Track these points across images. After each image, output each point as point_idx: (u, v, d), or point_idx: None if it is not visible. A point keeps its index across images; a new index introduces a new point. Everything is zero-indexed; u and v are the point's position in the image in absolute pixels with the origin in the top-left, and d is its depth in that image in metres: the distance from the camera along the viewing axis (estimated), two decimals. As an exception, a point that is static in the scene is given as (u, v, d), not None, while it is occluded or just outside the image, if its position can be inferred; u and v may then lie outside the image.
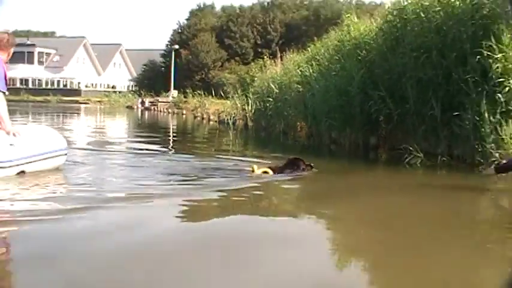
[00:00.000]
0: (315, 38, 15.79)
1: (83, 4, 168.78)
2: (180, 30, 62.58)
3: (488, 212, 5.59)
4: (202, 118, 25.92)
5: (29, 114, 23.80)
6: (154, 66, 64.30)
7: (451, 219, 4.85)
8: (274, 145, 13.17)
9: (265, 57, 23.41)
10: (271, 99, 16.27)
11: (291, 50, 18.53)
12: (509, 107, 7.28)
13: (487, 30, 7.59)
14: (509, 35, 7.35)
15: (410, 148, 8.11)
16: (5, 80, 6.02)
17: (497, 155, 7.00)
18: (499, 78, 7.32)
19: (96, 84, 74.10)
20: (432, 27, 8.84)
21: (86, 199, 4.89)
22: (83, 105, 49.99)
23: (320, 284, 3.02)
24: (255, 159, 8.72)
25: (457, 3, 8.62)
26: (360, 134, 10.71)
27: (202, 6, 65.24)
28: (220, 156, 9.39)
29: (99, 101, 55.66)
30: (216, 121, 22.91)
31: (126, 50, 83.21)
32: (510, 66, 7.31)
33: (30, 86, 66.35)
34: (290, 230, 4.35)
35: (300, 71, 14.23)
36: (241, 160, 8.68)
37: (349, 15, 12.72)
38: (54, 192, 5.44)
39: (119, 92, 64.93)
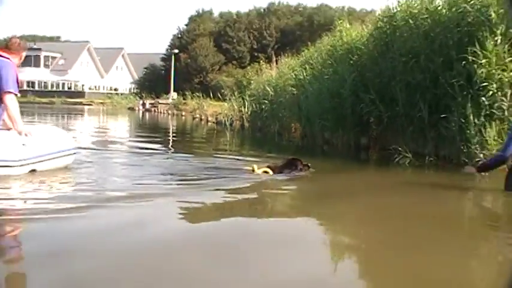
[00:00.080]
0: (309, 43, 15.86)
1: (87, 10, 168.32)
2: (179, 35, 62.44)
3: (473, 210, 5.63)
4: (201, 119, 25.86)
5: (35, 116, 23.68)
6: (155, 69, 64.15)
7: (438, 217, 4.86)
8: (270, 145, 13.15)
9: (261, 61, 23.36)
10: (266, 102, 16.26)
11: (286, 55, 18.55)
12: (493, 110, 7.31)
13: (472, 37, 7.60)
14: (492, 42, 7.36)
15: (400, 149, 8.13)
16: (17, 83, 6.05)
17: (481, 155, 7.04)
18: (483, 82, 7.34)
19: (99, 87, 73.92)
20: (420, 33, 8.86)
21: (91, 198, 4.85)
22: (86, 107, 49.82)
23: (316, 281, 3.02)
24: (251, 159, 8.72)
25: (444, 11, 8.67)
26: (352, 134, 10.72)
27: (201, 12, 65.16)
28: (219, 155, 9.36)
29: (102, 103, 55.53)
30: (214, 122, 22.87)
31: (128, 53, 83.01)
32: (493, 71, 7.32)
33: (36, 88, 66.11)
34: (288, 229, 4.33)
35: (295, 74, 14.25)
36: (239, 159, 8.67)
37: (341, 21, 12.74)
38: (61, 191, 5.42)
39: (121, 94, 64.73)
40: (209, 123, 23.24)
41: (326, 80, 11.43)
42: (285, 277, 2.99)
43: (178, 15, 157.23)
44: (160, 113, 38.83)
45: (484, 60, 7.33)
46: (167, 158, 9.00)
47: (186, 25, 63.32)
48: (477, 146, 7.22)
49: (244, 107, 18.61)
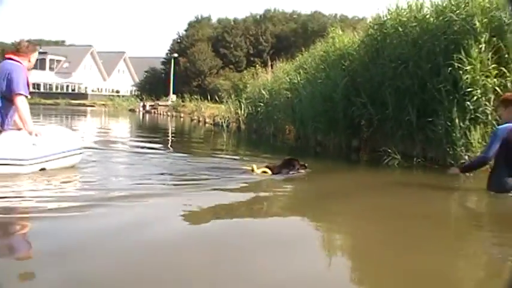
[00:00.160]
0: (303, 49, 15.79)
1: (91, 15, 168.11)
2: (179, 40, 62.39)
3: (458, 209, 5.65)
4: (199, 121, 25.83)
5: (40, 116, 23.61)
6: (155, 72, 64.04)
7: (425, 216, 4.88)
8: (265, 146, 13.12)
9: (257, 65, 23.45)
10: (262, 104, 16.24)
11: (281, 59, 18.55)
12: (477, 114, 7.32)
13: (458, 45, 7.61)
14: (477, 50, 7.39)
15: (389, 150, 8.12)
16: (27, 85, 6.06)
17: (466, 157, 7.07)
18: (468, 88, 7.36)
19: (101, 89, 73.84)
20: (409, 40, 8.88)
21: (94, 197, 4.82)
22: (89, 108, 49.72)
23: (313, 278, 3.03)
24: (247, 158, 8.74)
25: (431, 19, 8.69)
26: (343, 137, 10.70)
27: (199, 18, 65.10)
28: (216, 155, 9.37)
29: (104, 104, 55.46)
30: (211, 124, 22.84)
31: (129, 57, 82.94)
32: (478, 77, 7.34)
33: (41, 90, 66.03)
34: (283, 229, 4.30)
35: (289, 78, 14.21)
36: (236, 159, 8.68)
37: (334, 28, 12.74)
38: (67, 190, 5.39)
39: (122, 96, 64.65)
40: (207, 125, 23.20)
41: (319, 84, 11.42)
42: (283, 276, 2.96)
43: (178, 21, 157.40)
44: (160, 114, 38.77)
45: (469, 67, 7.36)
46: (167, 158, 8.99)
47: (186, 30, 63.28)
48: (462, 148, 7.25)
49: (241, 110, 18.58)
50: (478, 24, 7.50)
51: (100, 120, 29.77)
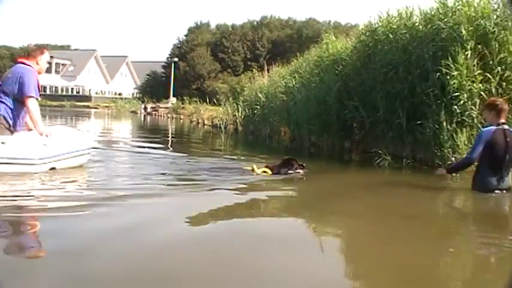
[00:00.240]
0: (298, 54, 15.86)
1: (95, 21, 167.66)
2: (179, 45, 62.30)
3: (444, 208, 5.67)
4: (198, 122, 25.79)
5: (47, 118, 23.55)
6: (156, 76, 63.95)
7: (413, 214, 4.92)
8: (261, 147, 13.11)
9: (254, 69, 23.45)
10: (258, 107, 16.24)
11: (277, 64, 18.54)
12: (464, 118, 7.36)
13: (445, 51, 7.64)
14: (463, 56, 7.41)
15: (380, 151, 8.15)
16: (38, 87, 6.09)
17: (453, 158, 7.10)
18: (455, 92, 7.39)
19: (104, 92, 73.70)
20: (399, 47, 8.92)
21: (98, 197, 4.76)
22: (93, 110, 49.66)
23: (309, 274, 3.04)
24: (243, 158, 8.75)
25: (420, 27, 8.74)
26: (336, 138, 10.75)
27: (199, 24, 65.06)
28: (215, 156, 9.37)
29: (107, 106, 55.35)
30: (209, 125, 22.81)
31: (131, 61, 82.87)
32: (464, 82, 7.37)
33: (47, 92, 65.86)
34: (281, 228, 4.29)
35: (284, 82, 14.25)
36: (234, 160, 8.67)
37: (327, 34, 12.81)
38: (74, 189, 5.34)
39: (125, 98, 64.51)
40: (205, 126, 23.17)
41: (313, 88, 11.46)
42: (284, 275, 2.93)
43: (178, 26, 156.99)
44: (161, 116, 38.75)
45: (456, 73, 7.39)
46: (168, 158, 8.95)
47: (186, 36, 63.20)
48: (449, 149, 7.27)
49: (238, 112, 18.58)
50: (464, 32, 7.53)
51: (103, 121, 29.70)
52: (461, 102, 7.38)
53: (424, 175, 7.09)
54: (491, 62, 7.46)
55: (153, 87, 60.88)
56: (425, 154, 8.00)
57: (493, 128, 5.60)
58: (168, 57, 62.49)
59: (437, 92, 7.70)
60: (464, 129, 7.24)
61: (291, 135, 13.36)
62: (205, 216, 4.34)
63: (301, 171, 6.83)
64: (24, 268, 2.89)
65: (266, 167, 6.83)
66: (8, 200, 4.45)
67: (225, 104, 21.42)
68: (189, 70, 56.27)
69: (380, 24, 9.80)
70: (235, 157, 9.33)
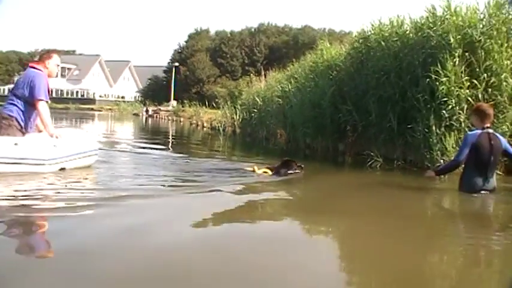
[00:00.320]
0: (294, 59, 15.81)
1: (99, 28, 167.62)
2: (179, 50, 62.33)
3: (433, 207, 5.70)
4: (197, 125, 25.77)
5: (53, 120, 23.45)
6: (158, 80, 63.93)
7: (403, 214, 4.96)
8: (258, 149, 13.12)
9: (252, 74, 23.42)
10: (255, 110, 16.24)
11: (273, 69, 18.51)
12: (452, 122, 7.37)
13: (435, 58, 7.66)
14: (451, 63, 7.44)
15: (372, 154, 8.18)
16: (48, 91, 6.12)
17: (442, 160, 7.13)
18: (444, 97, 7.41)
19: (108, 95, 73.68)
20: (391, 53, 8.93)
21: (101, 197, 4.72)
22: (96, 112, 49.60)
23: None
24: (243, 159, 8.75)
25: (411, 35, 8.75)
26: (330, 141, 10.75)
27: (199, 30, 65.12)
28: (214, 157, 9.38)
29: (110, 109, 55.36)
30: (208, 127, 22.79)
31: (134, 66, 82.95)
32: (452, 88, 7.39)
33: (53, 95, 65.76)
34: (280, 226, 4.34)
35: (281, 87, 14.21)
36: (234, 161, 8.68)
37: (322, 41, 12.80)
38: (76, 190, 5.23)
39: (127, 101, 64.52)
40: (204, 129, 23.15)
41: (308, 92, 11.46)
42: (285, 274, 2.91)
43: (179, 33, 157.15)
44: (162, 118, 38.72)
45: (444, 79, 7.41)
46: (169, 159, 8.94)
47: (186, 41, 63.28)
48: (438, 152, 7.29)
49: (236, 115, 18.55)
50: (452, 40, 7.56)
51: (107, 123, 29.69)
52: (450, 107, 7.40)
53: (414, 176, 7.11)
54: (477, 69, 7.48)
55: (155, 91, 60.88)
56: (415, 156, 8.00)
57: (478, 131, 5.65)
58: (169, 62, 62.57)
59: (427, 97, 7.71)
60: (452, 132, 7.25)
61: (286, 138, 13.35)
62: (208, 217, 4.27)
63: (298, 171, 6.85)
64: (32, 267, 2.85)
65: (267, 167, 6.86)
66: (17, 200, 4.42)
67: (223, 107, 21.39)
68: (189, 74, 56.30)
69: (372, 31, 9.81)
70: (235, 158, 9.34)
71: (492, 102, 7.07)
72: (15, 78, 74.23)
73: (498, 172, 6.58)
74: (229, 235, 3.78)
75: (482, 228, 4.41)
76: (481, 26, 7.76)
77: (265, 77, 18.87)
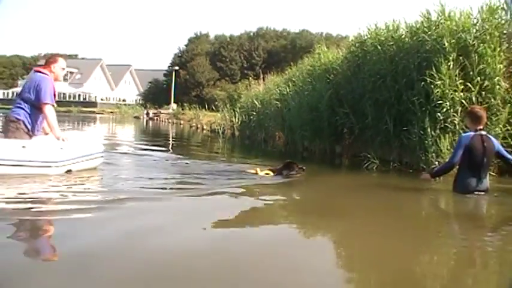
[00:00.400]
0: (292, 63, 15.80)
1: (101, 33, 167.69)
2: (180, 54, 62.43)
3: (427, 208, 5.71)
4: (197, 127, 25.78)
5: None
6: (158, 83, 64.00)
7: (398, 214, 4.98)
8: (256, 151, 13.13)
9: (250, 78, 23.44)
10: (254, 113, 16.24)
11: (272, 73, 18.56)
12: (446, 124, 7.40)
13: (430, 62, 7.70)
14: (446, 66, 7.47)
15: (369, 156, 8.20)
16: (54, 94, 6.16)
17: (436, 162, 7.15)
18: (439, 100, 7.44)
19: (109, 98, 73.63)
20: (387, 57, 8.95)
21: (102, 200, 4.70)
22: (98, 115, 49.57)
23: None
24: (242, 161, 8.75)
25: (406, 39, 8.78)
26: (328, 143, 10.77)
27: (198, 34, 65.20)
28: (215, 159, 9.38)
29: (111, 112, 55.40)
30: (208, 130, 22.80)
31: (135, 70, 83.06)
32: (447, 91, 7.42)
33: (56, 98, 65.62)
34: (279, 228, 4.33)
35: (279, 90, 14.24)
36: (233, 163, 8.64)
37: (320, 45, 12.85)
38: (87, 193, 5.24)
39: (128, 104, 64.50)
40: (204, 131, 23.15)
41: (306, 96, 11.49)
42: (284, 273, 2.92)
43: (179, 37, 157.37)
44: (162, 121, 38.75)
45: (439, 82, 7.44)
46: (170, 161, 8.95)
47: (186, 46, 63.39)
48: (433, 154, 7.31)
49: (235, 118, 18.57)
50: (447, 44, 7.59)
51: (108, 126, 29.64)
52: (444, 109, 7.43)
53: (409, 178, 7.13)
54: (471, 73, 7.51)
55: (155, 94, 60.96)
56: (411, 158, 8.02)
57: (471, 133, 5.69)
58: (169, 66, 62.64)
59: (422, 100, 7.74)
60: (447, 135, 7.28)
61: (285, 140, 13.36)
62: (209, 220, 4.19)
63: (299, 174, 6.87)
64: (36, 270, 2.83)
65: (269, 169, 6.90)
66: (21, 203, 4.40)
67: (222, 110, 21.40)
68: (189, 78, 56.35)
69: (369, 36, 9.84)
70: (234, 160, 9.34)
71: (486, 105, 7.11)
72: (19, 82, 74.49)
73: (491, 173, 6.62)
74: (230, 237, 3.76)
75: (476, 229, 4.42)
76: (474, 30, 7.79)
77: (263, 80, 18.90)
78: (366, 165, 8.11)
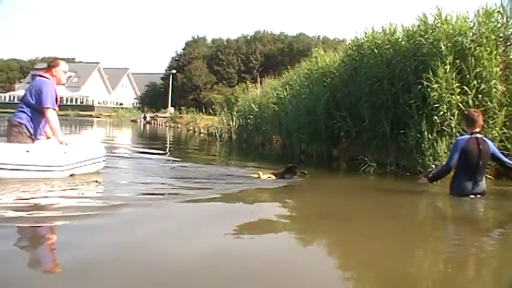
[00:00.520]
0: (289, 67, 15.82)
1: (98, 36, 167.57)
2: (177, 58, 62.34)
3: (423, 211, 5.73)
4: (194, 131, 25.76)
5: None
6: (155, 87, 63.87)
7: (394, 216, 4.99)
8: (254, 154, 13.11)
9: (248, 81, 23.40)
10: (251, 116, 16.20)
11: (269, 76, 18.50)
12: (443, 127, 7.43)
13: (426, 65, 7.73)
14: (442, 70, 7.50)
15: (365, 159, 8.20)
16: (56, 98, 6.17)
17: (433, 165, 7.16)
18: (435, 104, 7.47)
19: (106, 102, 73.50)
20: (383, 61, 8.98)
21: (97, 207, 4.62)
22: (95, 119, 49.43)
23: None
24: (241, 165, 8.74)
25: (403, 43, 8.81)
26: (325, 146, 10.78)
27: (196, 38, 65.19)
28: (212, 163, 9.35)
29: (109, 115, 55.26)
30: (205, 134, 22.78)
31: (132, 73, 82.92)
32: (444, 94, 7.45)
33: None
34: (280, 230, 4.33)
35: (276, 93, 14.23)
36: (231, 167, 8.61)
37: (317, 48, 12.90)
38: (89, 199, 5.12)
39: (125, 108, 64.39)
40: (201, 135, 23.13)
41: (303, 99, 11.50)
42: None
43: (176, 40, 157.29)
44: (159, 125, 38.69)
45: (436, 85, 7.47)
46: (169, 165, 8.94)
47: (183, 49, 63.32)
48: (430, 157, 7.34)
49: (232, 121, 18.52)
50: (443, 47, 7.62)
51: (105, 129, 29.58)
52: (441, 113, 7.45)
53: (406, 181, 7.13)
54: (468, 76, 7.55)
55: (152, 98, 60.83)
56: (408, 161, 8.04)
57: (467, 136, 5.73)
58: (166, 69, 62.55)
59: (419, 103, 7.76)
60: (444, 138, 7.31)
61: (282, 143, 13.35)
62: (209, 224, 4.20)
63: (300, 179, 6.90)
64: (37, 279, 2.79)
65: (271, 173, 6.94)
66: (20, 210, 4.26)
67: (220, 114, 21.35)
68: (186, 81, 56.31)
69: (366, 39, 9.86)
70: (232, 164, 9.32)
71: (482, 108, 7.13)
72: (17, 86, 74.39)
73: (488, 176, 6.64)
74: (230, 239, 3.75)
75: (472, 232, 4.44)
76: (471, 34, 7.82)
77: (261, 84, 18.88)
78: (363, 168, 8.12)
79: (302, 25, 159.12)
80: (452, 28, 7.91)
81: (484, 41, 7.57)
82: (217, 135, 18.82)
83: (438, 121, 7.47)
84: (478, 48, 7.53)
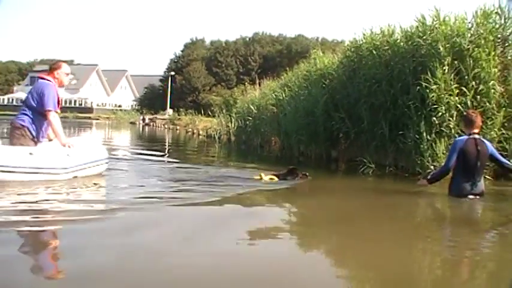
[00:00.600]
0: (287, 68, 15.78)
1: (97, 38, 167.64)
2: (176, 60, 62.39)
3: (422, 212, 5.73)
4: (193, 133, 25.72)
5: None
6: (154, 89, 63.91)
7: (395, 216, 5.00)
8: (253, 156, 13.09)
9: (246, 83, 23.40)
10: (250, 118, 16.17)
11: (268, 78, 18.51)
12: (442, 128, 7.43)
13: (425, 66, 7.73)
14: (441, 71, 7.50)
15: (364, 160, 8.20)
16: (58, 101, 6.17)
17: (432, 167, 7.16)
18: (434, 105, 7.47)
19: (105, 104, 73.45)
20: (382, 62, 8.98)
21: (108, 209, 4.63)
22: (94, 121, 49.33)
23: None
24: (240, 167, 8.73)
25: (402, 44, 8.81)
26: (323, 148, 10.77)
27: (194, 40, 65.26)
28: (211, 165, 9.34)
29: (107, 118, 55.21)
30: (204, 135, 22.73)
31: (130, 75, 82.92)
32: (442, 95, 7.45)
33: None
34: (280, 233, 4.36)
35: (275, 95, 14.22)
36: (231, 169, 8.58)
37: (315, 50, 12.87)
38: (91, 202, 5.15)
39: (124, 110, 64.37)
40: (200, 137, 23.09)
41: (302, 100, 11.49)
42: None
43: (175, 42, 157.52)
44: (158, 127, 38.63)
45: (434, 86, 7.47)
46: (168, 167, 8.93)
47: (182, 51, 63.38)
48: (429, 158, 7.33)
49: (231, 123, 18.49)
50: (442, 48, 7.62)
51: (104, 131, 29.51)
52: (440, 114, 7.45)
53: (405, 182, 7.14)
54: (466, 77, 7.55)
55: (151, 100, 60.87)
56: (406, 162, 8.03)
57: (465, 137, 5.74)
58: (165, 71, 62.62)
59: (418, 104, 7.76)
60: (442, 139, 7.30)
61: (280, 145, 13.33)
62: (209, 228, 4.15)
63: (301, 181, 6.90)
64: (38, 282, 2.77)
65: (273, 174, 6.94)
66: (25, 214, 4.24)
67: (218, 116, 21.31)
68: (185, 83, 56.34)
69: (364, 40, 9.86)
70: (231, 165, 9.31)
71: (481, 109, 7.13)
72: (15, 88, 74.29)
73: (487, 177, 6.64)
74: (229, 242, 3.71)
75: (470, 233, 4.44)
76: (469, 35, 7.84)
77: (259, 85, 18.86)
78: (362, 169, 8.12)
79: (300, 27, 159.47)
80: (450, 29, 7.91)
81: (482, 42, 7.58)
82: (216, 137, 18.80)
83: (437, 122, 7.47)
84: (476, 49, 7.53)
